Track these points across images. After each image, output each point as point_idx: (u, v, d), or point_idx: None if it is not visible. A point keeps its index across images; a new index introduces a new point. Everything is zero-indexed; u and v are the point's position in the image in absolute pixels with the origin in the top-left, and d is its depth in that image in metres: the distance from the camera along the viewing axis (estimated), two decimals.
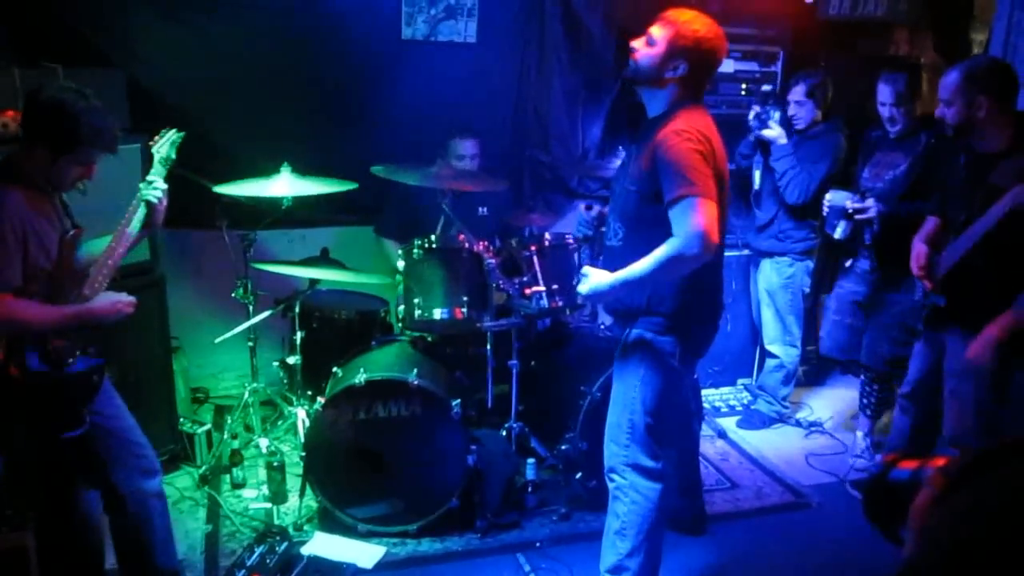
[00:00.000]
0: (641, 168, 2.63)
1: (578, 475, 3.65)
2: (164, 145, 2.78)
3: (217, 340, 3.88)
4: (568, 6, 4.66)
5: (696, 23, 2.61)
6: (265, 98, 4.28)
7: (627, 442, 2.77)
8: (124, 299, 2.59)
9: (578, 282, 2.74)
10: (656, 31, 2.64)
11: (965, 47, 5.03)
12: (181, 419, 4.00)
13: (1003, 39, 3.00)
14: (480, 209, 4.32)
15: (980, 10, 4.90)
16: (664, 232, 2.50)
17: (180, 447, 3.93)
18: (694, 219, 2.45)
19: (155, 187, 2.67)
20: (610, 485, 2.85)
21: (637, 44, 2.69)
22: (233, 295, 3.81)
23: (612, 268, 2.64)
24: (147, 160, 3.66)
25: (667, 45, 2.61)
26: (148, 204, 2.64)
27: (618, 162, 3.09)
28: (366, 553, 3.28)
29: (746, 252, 4.77)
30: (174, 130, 2.82)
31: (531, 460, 3.69)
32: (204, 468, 3.85)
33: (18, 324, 2.39)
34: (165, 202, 2.69)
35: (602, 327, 4.09)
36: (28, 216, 2.40)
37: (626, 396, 2.75)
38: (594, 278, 2.66)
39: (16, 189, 2.40)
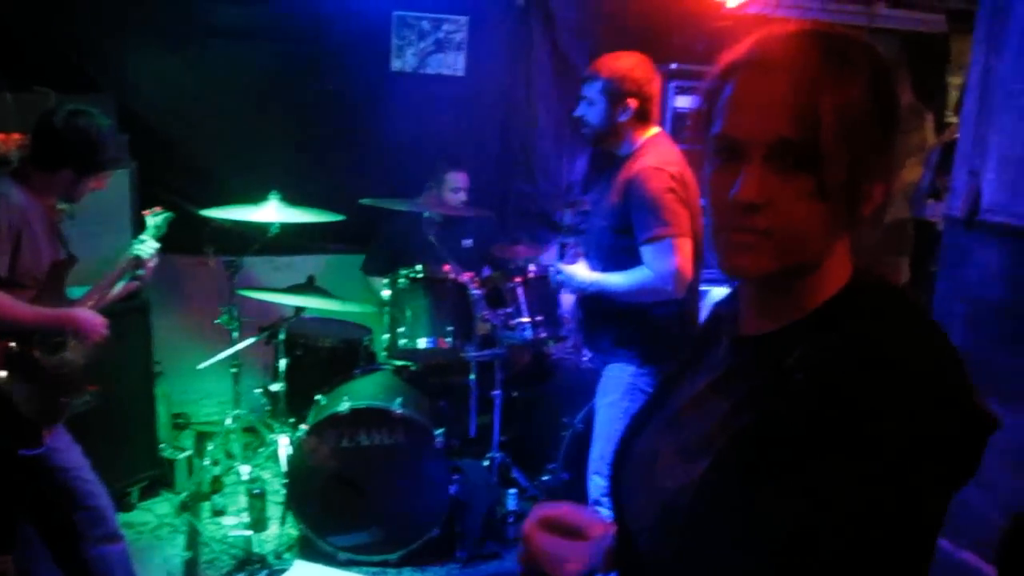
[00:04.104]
0: (612, 203, 2.68)
1: None
2: (159, 217, 2.98)
3: (200, 366, 3.86)
4: (555, 42, 4.74)
5: (618, 61, 2.72)
6: (255, 126, 4.31)
7: None
8: (102, 319, 2.63)
9: (557, 273, 2.88)
10: (588, 90, 2.75)
11: (942, 91, 5.15)
12: (162, 444, 3.98)
13: (978, 84, 3.07)
14: (465, 241, 4.36)
15: (957, 55, 5.01)
16: (638, 264, 2.57)
17: (160, 473, 3.91)
18: (669, 260, 2.53)
19: (148, 244, 2.86)
20: None
21: (580, 112, 2.78)
22: (217, 321, 3.80)
23: (588, 304, 2.72)
24: (137, 187, 3.71)
25: (605, 96, 2.70)
26: (137, 258, 2.75)
27: None
28: None
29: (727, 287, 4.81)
30: (169, 213, 3.05)
31: (513, 491, 3.69)
32: (184, 494, 3.82)
33: None
34: (155, 263, 2.86)
35: (585, 359, 4.12)
36: (28, 219, 2.45)
37: (609, 428, 2.78)
38: (575, 269, 2.78)
39: (24, 191, 2.47)
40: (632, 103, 2.70)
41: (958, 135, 3.20)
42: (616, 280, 2.69)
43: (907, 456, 0.84)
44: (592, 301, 2.84)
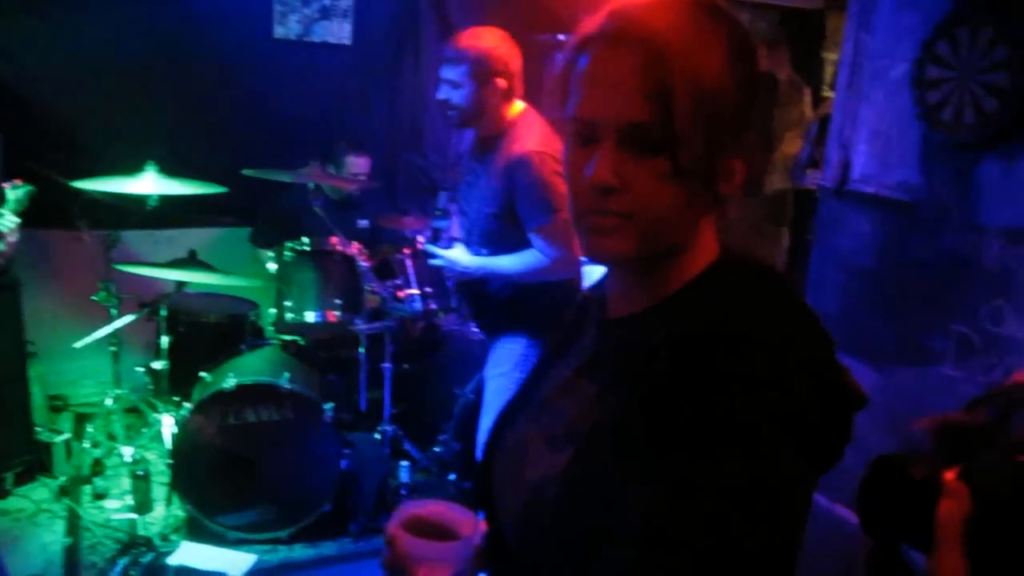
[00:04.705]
0: (492, 187, 2.65)
1: (452, 476, 3.68)
2: (20, 191, 2.83)
3: (77, 345, 3.72)
4: (443, 11, 4.70)
5: (480, 41, 2.65)
6: (130, 94, 4.14)
7: None
8: None
9: (432, 256, 2.84)
10: (452, 73, 2.66)
11: (819, 65, 5.33)
12: (37, 428, 3.81)
13: (850, 59, 3.20)
14: (361, 222, 4.26)
15: (832, 30, 5.20)
16: (524, 244, 2.58)
17: (36, 457, 3.75)
18: (561, 245, 2.53)
19: (7, 219, 2.73)
20: None
21: (444, 95, 2.69)
22: (94, 298, 3.66)
23: (473, 285, 2.70)
24: (3, 159, 3.54)
25: (472, 78, 2.63)
26: None
27: None
28: (236, 561, 3.21)
29: None
30: (30, 187, 2.92)
31: (405, 463, 3.69)
32: (63, 479, 3.69)
33: None
34: (15, 238, 2.74)
35: (475, 329, 4.14)
36: None
37: (499, 401, 2.80)
38: (455, 254, 2.73)
39: None
40: (500, 83, 2.64)
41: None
42: (506, 263, 2.66)
43: (768, 436, 0.83)
44: (478, 283, 2.82)
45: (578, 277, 2.76)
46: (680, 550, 0.80)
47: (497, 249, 2.71)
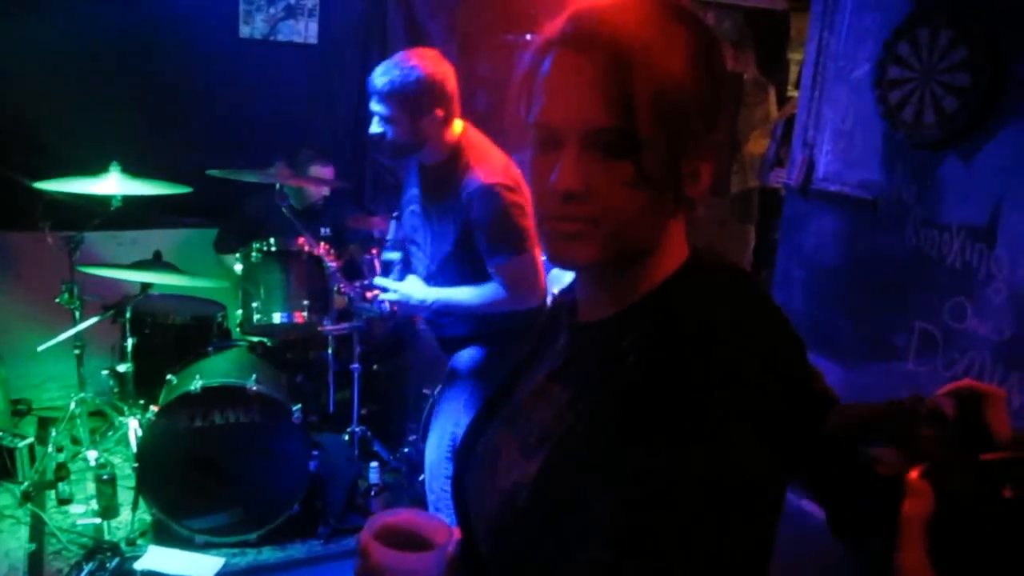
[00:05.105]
0: (451, 222, 2.52)
1: (421, 477, 3.67)
2: None
3: (40, 348, 3.67)
4: (411, 10, 4.69)
5: (411, 71, 2.43)
6: (93, 93, 4.09)
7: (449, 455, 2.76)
8: None
9: (381, 292, 2.69)
10: (383, 107, 2.46)
11: (784, 66, 5.39)
12: (0, 433, 3.76)
13: (814, 60, 3.23)
14: (323, 230, 4.14)
15: (796, 31, 5.25)
16: (482, 273, 2.50)
17: None
18: (522, 279, 2.45)
19: None
20: None
21: (377, 128, 2.50)
22: (57, 300, 3.61)
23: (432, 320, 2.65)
24: None
25: (408, 112, 2.44)
26: None
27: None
28: (203, 565, 3.18)
29: None
30: None
31: (374, 464, 3.67)
32: (26, 484, 3.63)
33: None
34: None
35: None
36: None
37: (455, 411, 2.74)
38: (409, 287, 2.62)
39: None
40: (439, 113, 2.46)
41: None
42: (464, 296, 2.53)
43: (739, 432, 0.83)
44: (436, 317, 2.73)
45: (543, 304, 2.61)
46: (652, 547, 0.79)
47: (453, 278, 2.60)
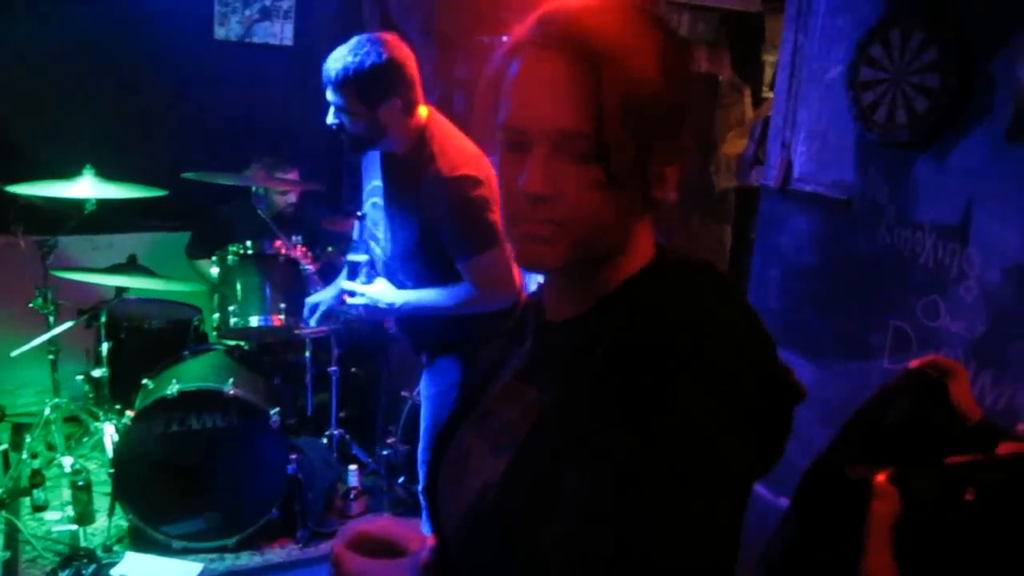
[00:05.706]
0: (415, 218, 2.39)
1: (400, 479, 3.67)
2: None
3: (13, 353, 3.63)
4: (386, 12, 4.68)
5: (368, 57, 2.25)
6: (66, 95, 4.08)
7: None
8: None
9: (347, 297, 2.58)
10: (338, 97, 2.29)
11: (759, 67, 5.42)
12: None
13: (788, 61, 3.26)
14: (295, 238, 4.06)
15: (771, 33, 5.28)
16: (452, 272, 2.39)
17: None
18: (491, 275, 2.33)
19: None
20: None
21: (332, 120, 2.34)
22: (31, 305, 3.58)
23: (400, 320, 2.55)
24: None
25: (364, 101, 2.27)
26: None
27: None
28: (181, 570, 3.17)
29: None
30: None
31: (353, 467, 3.67)
32: (1, 491, 3.59)
33: None
34: None
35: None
36: None
37: (438, 420, 2.67)
38: (377, 290, 2.50)
39: None
40: (396, 102, 2.29)
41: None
42: (435, 297, 2.42)
43: (707, 419, 0.83)
44: (406, 320, 2.63)
45: (516, 304, 2.47)
46: (620, 520, 0.80)
47: (422, 278, 2.49)
